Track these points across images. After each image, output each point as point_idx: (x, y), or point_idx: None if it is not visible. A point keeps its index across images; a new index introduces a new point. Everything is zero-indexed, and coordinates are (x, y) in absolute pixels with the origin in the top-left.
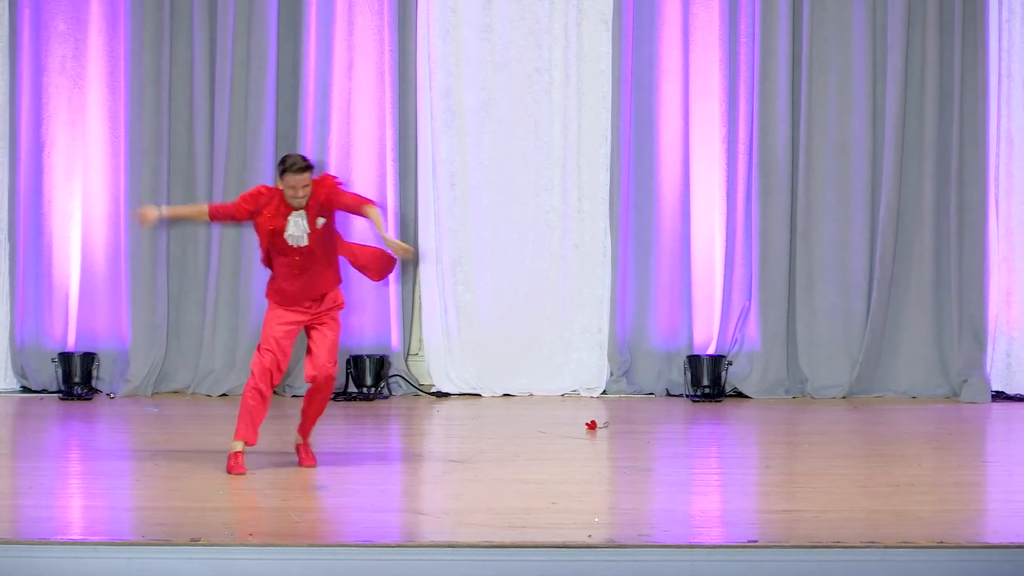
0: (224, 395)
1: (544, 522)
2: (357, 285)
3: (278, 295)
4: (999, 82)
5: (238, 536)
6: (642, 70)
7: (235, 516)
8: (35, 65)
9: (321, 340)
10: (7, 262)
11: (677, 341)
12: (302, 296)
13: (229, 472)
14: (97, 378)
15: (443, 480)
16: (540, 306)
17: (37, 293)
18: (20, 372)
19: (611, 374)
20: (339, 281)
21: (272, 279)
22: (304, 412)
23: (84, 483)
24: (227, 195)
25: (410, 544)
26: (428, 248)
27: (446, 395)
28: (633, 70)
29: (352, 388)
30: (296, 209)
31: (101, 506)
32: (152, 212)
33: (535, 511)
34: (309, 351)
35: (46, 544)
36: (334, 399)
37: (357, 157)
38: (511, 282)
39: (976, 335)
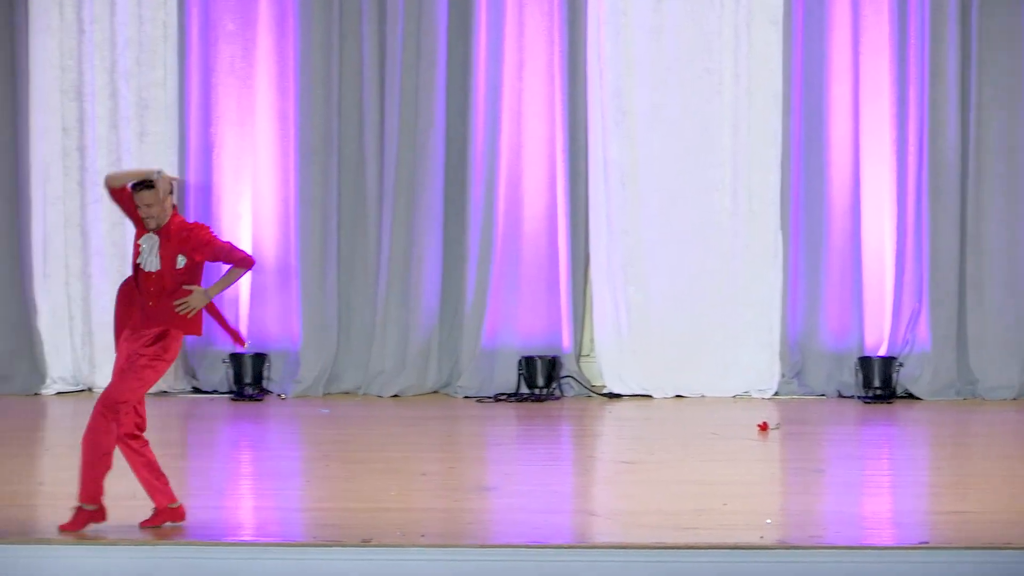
0: (395, 396)
1: (715, 523)
2: (529, 284)
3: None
4: None
5: (409, 537)
6: (812, 71)
7: (406, 517)
8: (203, 65)
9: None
10: None
11: (848, 342)
12: (132, 311)
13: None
14: (268, 379)
15: (615, 481)
16: (710, 307)
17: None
18: (191, 373)
19: (782, 375)
20: (179, 326)
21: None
22: None
23: (255, 484)
24: (397, 198)
25: (581, 545)
26: (599, 249)
27: (618, 396)
28: (803, 71)
29: (524, 389)
30: (148, 231)
31: (272, 507)
32: None
33: (706, 512)
34: None
35: (217, 545)
36: (507, 399)
37: (527, 158)
38: (681, 283)
39: None
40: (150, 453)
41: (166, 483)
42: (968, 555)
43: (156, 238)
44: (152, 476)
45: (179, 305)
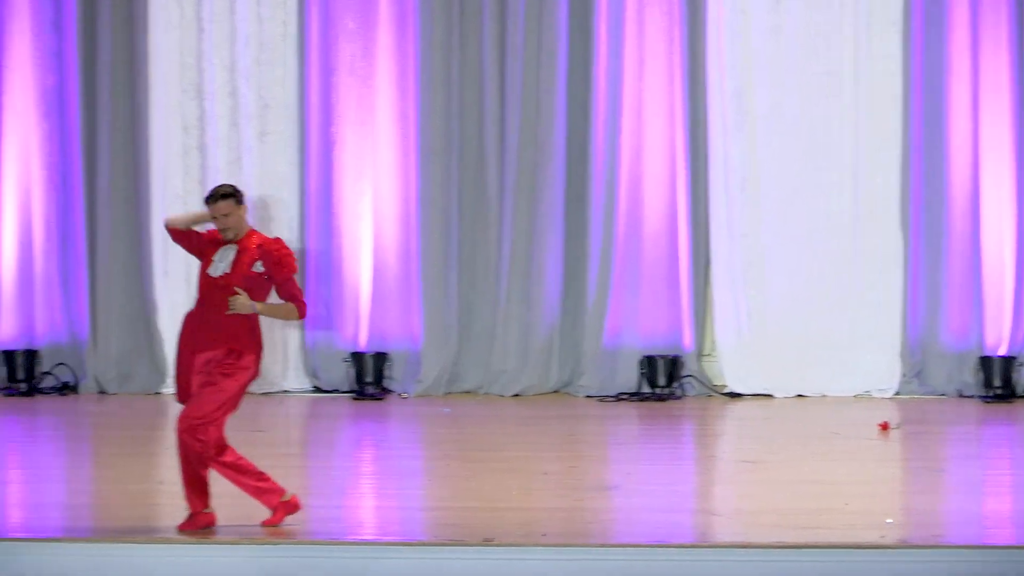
0: (516, 395)
1: (836, 523)
2: (649, 284)
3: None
4: None
5: (531, 537)
6: (931, 71)
7: (528, 516)
8: (324, 64)
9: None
10: (297, 261)
11: (968, 342)
12: (198, 335)
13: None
14: (389, 378)
15: (736, 480)
16: (831, 307)
17: (327, 293)
18: (311, 372)
19: (903, 375)
20: (247, 345)
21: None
22: None
23: (376, 483)
24: (518, 198)
25: (703, 545)
26: (720, 250)
27: (739, 396)
28: (923, 71)
29: (645, 388)
30: (227, 243)
31: (393, 506)
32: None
33: (827, 511)
34: None
35: (338, 544)
36: (628, 399)
37: (648, 158)
38: (802, 284)
39: None
40: (244, 460)
41: (270, 480)
42: None
43: (234, 248)
44: (255, 480)
45: (230, 302)
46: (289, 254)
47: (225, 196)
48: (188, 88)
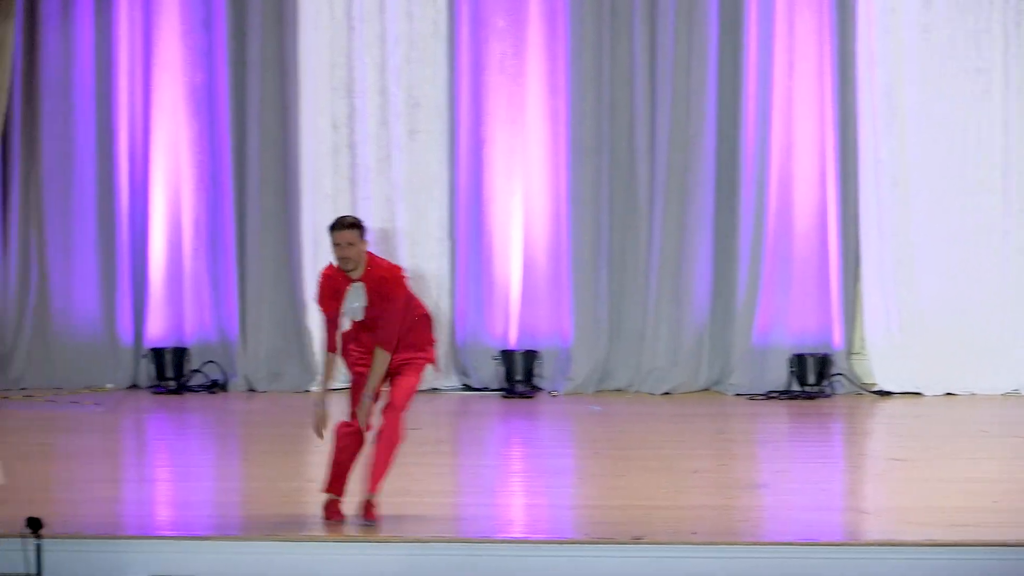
0: (666, 393)
1: (985, 521)
2: (799, 282)
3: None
4: None
5: (680, 535)
6: None
7: (677, 514)
8: (474, 62)
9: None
10: (448, 259)
11: None
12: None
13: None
14: (539, 376)
15: (885, 478)
16: (981, 306)
17: (477, 291)
18: (461, 370)
19: None
20: (419, 348)
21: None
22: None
23: (526, 481)
24: (668, 197)
25: (852, 543)
26: (870, 249)
27: (888, 394)
28: None
29: (795, 386)
30: (351, 280)
31: (543, 504)
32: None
33: (976, 510)
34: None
35: (488, 542)
36: (777, 397)
37: (798, 157)
38: (951, 282)
39: None
40: None
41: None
42: None
43: (362, 286)
44: (385, 468)
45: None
46: (397, 287)
47: (351, 226)
48: (338, 86)
